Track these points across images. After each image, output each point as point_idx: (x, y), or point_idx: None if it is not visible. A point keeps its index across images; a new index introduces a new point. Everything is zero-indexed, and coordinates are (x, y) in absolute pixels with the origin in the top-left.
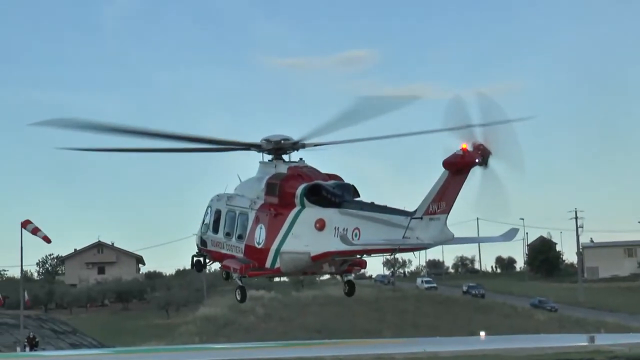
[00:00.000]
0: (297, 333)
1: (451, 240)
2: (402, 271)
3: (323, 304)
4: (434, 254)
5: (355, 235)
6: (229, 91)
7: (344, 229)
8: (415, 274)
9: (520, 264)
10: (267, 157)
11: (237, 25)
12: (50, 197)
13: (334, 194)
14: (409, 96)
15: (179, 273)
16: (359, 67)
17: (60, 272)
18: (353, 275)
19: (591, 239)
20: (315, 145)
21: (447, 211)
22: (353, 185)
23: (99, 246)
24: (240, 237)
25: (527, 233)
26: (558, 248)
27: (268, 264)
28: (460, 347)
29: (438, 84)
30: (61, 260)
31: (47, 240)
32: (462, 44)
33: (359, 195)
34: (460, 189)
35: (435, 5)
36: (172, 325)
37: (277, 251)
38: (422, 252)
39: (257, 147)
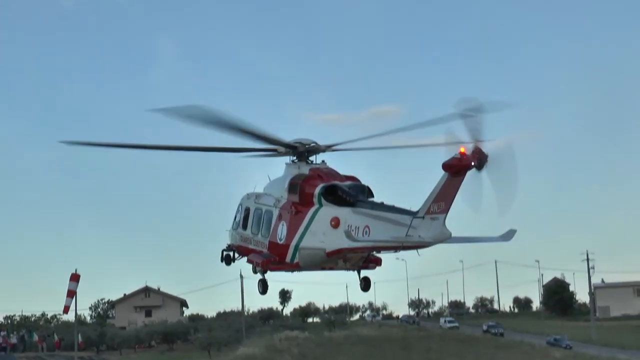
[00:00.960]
0: None
1: (449, 238)
2: (426, 312)
3: (354, 343)
4: (455, 295)
5: (366, 233)
6: None
7: (355, 227)
8: (438, 314)
9: (536, 304)
10: (294, 159)
11: (276, 85)
12: (102, 245)
13: (349, 194)
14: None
15: (220, 315)
16: (388, 121)
17: (110, 315)
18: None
19: (602, 279)
20: (336, 150)
21: (446, 211)
22: (368, 187)
23: (146, 291)
24: (265, 234)
25: (542, 274)
26: (571, 288)
27: (288, 259)
28: None
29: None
30: (111, 304)
31: (66, 310)
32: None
33: (373, 196)
34: (457, 190)
35: (457, 60)
36: None
37: (297, 247)
38: (444, 293)
39: (288, 148)
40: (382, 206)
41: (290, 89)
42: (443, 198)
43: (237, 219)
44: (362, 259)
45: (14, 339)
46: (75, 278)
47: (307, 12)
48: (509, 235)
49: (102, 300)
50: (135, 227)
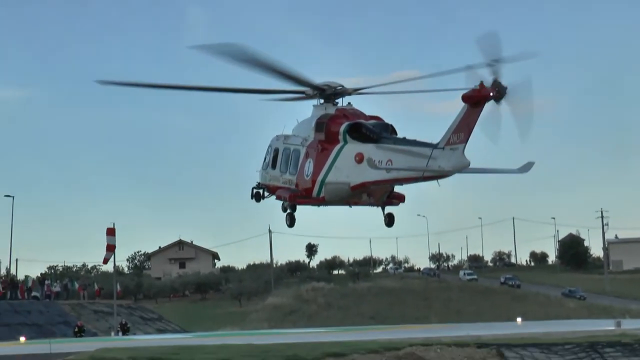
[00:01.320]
0: (353, 319)
1: (468, 166)
2: (446, 265)
3: (377, 294)
4: (474, 249)
5: (388, 166)
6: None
7: (378, 161)
8: (458, 267)
9: (552, 258)
10: (321, 102)
11: (296, 50)
12: (139, 200)
13: (372, 131)
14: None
15: (250, 267)
16: (410, 86)
17: (147, 267)
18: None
19: (616, 235)
20: (362, 93)
21: (465, 141)
22: (391, 125)
23: (180, 244)
24: (292, 171)
25: (557, 231)
26: (586, 244)
27: (314, 194)
28: (500, 331)
29: None
30: (148, 256)
31: (105, 261)
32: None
33: (396, 134)
34: (476, 121)
35: (478, 23)
36: (244, 313)
37: (322, 182)
38: (464, 248)
39: (316, 90)
40: (404, 141)
41: (310, 53)
42: (462, 129)
43: (267, 160)
44: (385, 193)
45: (57, 288)
46: (111, 232)
47: None
48: (526, 167)
49: (138, 252)
50: (169, 183)
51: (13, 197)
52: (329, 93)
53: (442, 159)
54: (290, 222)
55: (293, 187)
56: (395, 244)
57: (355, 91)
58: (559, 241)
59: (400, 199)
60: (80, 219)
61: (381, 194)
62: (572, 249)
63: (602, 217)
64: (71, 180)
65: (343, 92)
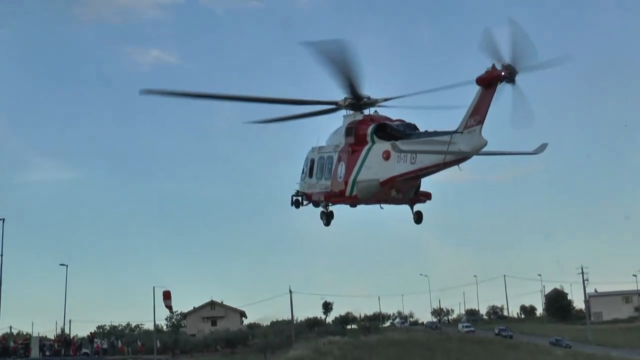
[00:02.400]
0: None
1: (485, 145)
2: (446, 318)
3: (386, 345)
4: (471, 304)
5: (413, 158)
6: None
7: (404, 155)
8: (456, 321)
9: (539, 311)
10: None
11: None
12: (174, 266)
13: (397, 130)
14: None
15: (273, 323)
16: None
17: (183, 325)
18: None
19: (595, 289)
20: (387, 106)
21: (481, 122)
22: (414, 124)
23: (212, 304)
24: (327, 177)
25: (544, 286)
26: (569, 297)
27: (347, 193)
28: None
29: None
30: (183, 315)
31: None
32: None
33: (418, 130)
34: (490, 102)
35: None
36: None
37: (354, 181)
38: (461, 303)
39: (353, 100)
40: (425, 133)
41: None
42: (478, 111)
43: (304, 171)
44: (412, 188)
45: (105, 345)
46: (168, 295)
47: None
48: (540, 148)
49: (175, 312)
50: (202, 249)
51: (67, 265)
52: (360, 104)
53: (462, 142)
54: (327, 221)
55: (328, 190)
56: (401, 300)
57: (383, 101)
58: (545, 296)
59: (427, 196)
60: (126, 282)
61: (409, 189)
62: (557, 303)
63: (582, 273)
64: (116, 248)
65: (371, 103)
